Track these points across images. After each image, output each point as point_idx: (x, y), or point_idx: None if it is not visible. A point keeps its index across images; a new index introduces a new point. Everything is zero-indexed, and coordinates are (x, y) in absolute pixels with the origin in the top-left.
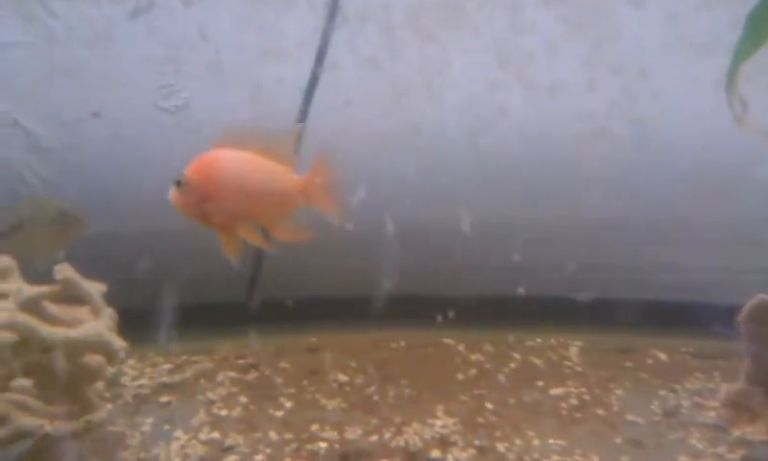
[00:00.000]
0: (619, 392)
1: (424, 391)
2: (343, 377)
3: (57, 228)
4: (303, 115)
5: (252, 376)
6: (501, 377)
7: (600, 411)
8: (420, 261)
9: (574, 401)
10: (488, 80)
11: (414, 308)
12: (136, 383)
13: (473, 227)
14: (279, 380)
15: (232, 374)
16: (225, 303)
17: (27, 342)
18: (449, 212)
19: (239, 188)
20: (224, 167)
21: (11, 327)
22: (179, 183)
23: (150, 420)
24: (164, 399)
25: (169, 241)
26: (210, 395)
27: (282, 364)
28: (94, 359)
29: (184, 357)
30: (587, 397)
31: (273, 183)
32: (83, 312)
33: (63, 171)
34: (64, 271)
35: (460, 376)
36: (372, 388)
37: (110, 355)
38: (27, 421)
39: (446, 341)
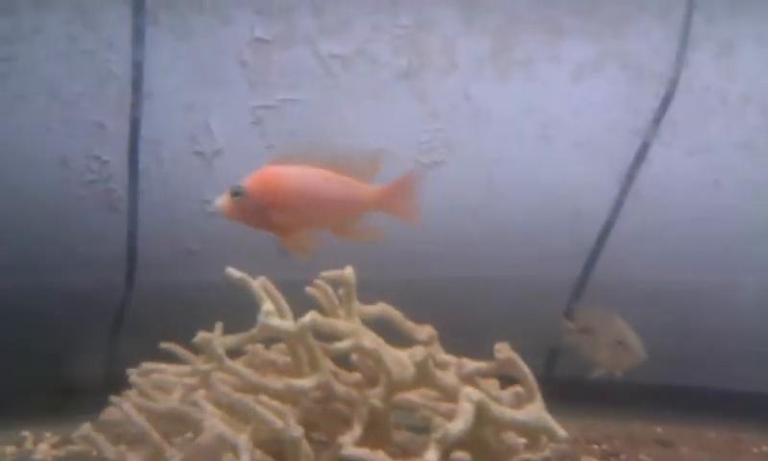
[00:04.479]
0: None
1: None
2: None
3: (614, 352)
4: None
5: None
6: None
7: None
8: None
9: None
10: None
11: None
12: None
13: None
14: None
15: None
16: None
17: (480, 417)
18: None
19: (303, 193)
20: (285, 175)
21: (470, 400)
22: (236, 193)
23: None
24: None
25: None
26: None
27: (641, 456)
28: (513, 436)
29: None
30: None
31: (339, 188)
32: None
33: None
34: (505, 351)
35: None
36: None
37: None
38: None
39: None
